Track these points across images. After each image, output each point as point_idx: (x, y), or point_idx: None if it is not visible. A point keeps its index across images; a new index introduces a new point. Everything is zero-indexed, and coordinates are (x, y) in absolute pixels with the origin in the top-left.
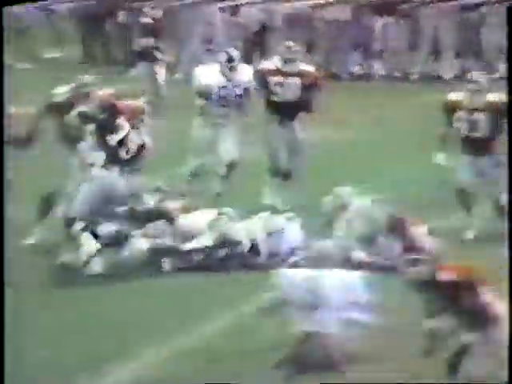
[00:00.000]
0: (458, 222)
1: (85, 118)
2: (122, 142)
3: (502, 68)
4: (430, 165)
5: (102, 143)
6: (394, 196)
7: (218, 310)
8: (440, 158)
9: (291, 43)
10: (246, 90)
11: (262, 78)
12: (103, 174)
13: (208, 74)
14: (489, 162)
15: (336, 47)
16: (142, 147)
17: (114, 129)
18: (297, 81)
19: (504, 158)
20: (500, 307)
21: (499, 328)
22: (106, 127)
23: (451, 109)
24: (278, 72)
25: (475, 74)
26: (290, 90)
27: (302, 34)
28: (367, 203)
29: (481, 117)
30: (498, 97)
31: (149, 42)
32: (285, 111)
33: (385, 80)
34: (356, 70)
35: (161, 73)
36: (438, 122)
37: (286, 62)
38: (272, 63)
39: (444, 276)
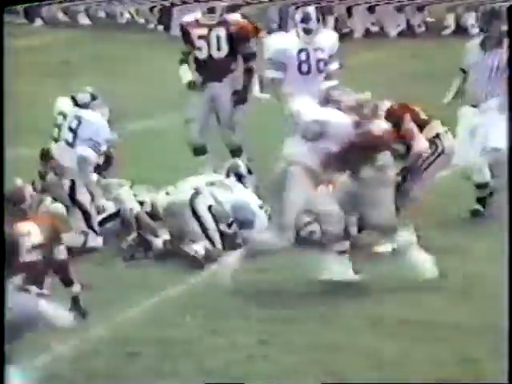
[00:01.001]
0: None
1: None
2: None
3: (451, 23)
4: None
5: None
6: None
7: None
8: None
9: None
10: (331, 56)
11: (183, 32)
12: None
13: (282, 40)
14: None
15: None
16: None
17: None
18: (221, 32)
19: None
20: None
21: None
22: None
23: None
24: (198, 24)
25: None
26: (216, 44)
27: None
28: None
29: None
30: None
31: None
32: (212, 71)
33: None
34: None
35: None
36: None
37: (208, 12)
38: (193, 15)
39: None
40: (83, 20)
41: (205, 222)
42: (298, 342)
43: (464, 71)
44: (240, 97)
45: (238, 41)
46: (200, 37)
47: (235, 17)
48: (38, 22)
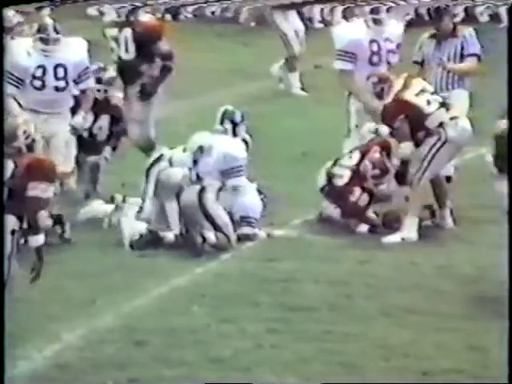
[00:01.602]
0: None
1: None
2: None
3: (459, 10)
4: None
5: None
6: None
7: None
8: None
9: None
10: (398, 46)
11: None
12: None
13: (352, 30)
14: None
15: None
16: None
17: None
18: (128, 33)
19: None
20: None
21: None
22: None
23: None
24: (111, 24)
25: None
26: (124, 45)
27: None
28: None
29: None
30: None
31: None
32: (124, 74)
33: None
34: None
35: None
36: None
37: (119, 11)
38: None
39: None
40: (92, 10)
41: (217, 219)
42: (307, 331)
43: (418, 63)
44: (146, 91)
45: (147, 42)
46: (112, 38)
47: (145, 17)
48: (46, 10)
